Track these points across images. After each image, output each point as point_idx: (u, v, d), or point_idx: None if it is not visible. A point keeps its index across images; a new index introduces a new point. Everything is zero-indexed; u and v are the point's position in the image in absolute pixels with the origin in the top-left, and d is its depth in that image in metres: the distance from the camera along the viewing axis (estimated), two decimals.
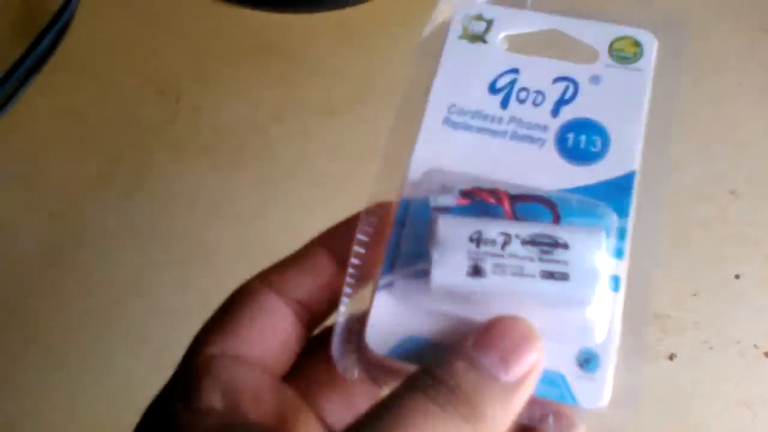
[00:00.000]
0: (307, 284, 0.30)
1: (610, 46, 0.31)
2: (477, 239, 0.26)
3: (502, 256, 0.26)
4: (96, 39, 0.56)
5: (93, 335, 0.48)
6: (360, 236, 0.29)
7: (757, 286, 0.47)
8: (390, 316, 0.27)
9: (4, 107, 0.52)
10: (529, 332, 0.25)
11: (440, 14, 0.32)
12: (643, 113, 0.30)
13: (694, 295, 0.46)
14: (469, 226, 0.26)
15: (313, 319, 0.30)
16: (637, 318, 0.27)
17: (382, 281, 0.27)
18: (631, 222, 0.28)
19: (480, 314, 0.26)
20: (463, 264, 0.26)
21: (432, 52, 0.32)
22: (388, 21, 0.56)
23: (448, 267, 0.26)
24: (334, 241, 0.30)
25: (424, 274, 0.26)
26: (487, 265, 0.26)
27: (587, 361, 0.26)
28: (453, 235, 0.26)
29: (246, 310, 0.29)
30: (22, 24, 0.56)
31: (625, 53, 0.31)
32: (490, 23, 0.32)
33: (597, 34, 0.32)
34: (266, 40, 0.56)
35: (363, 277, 0.28)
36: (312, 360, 0.31)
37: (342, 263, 0.29)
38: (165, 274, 0.49)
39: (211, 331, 0.29)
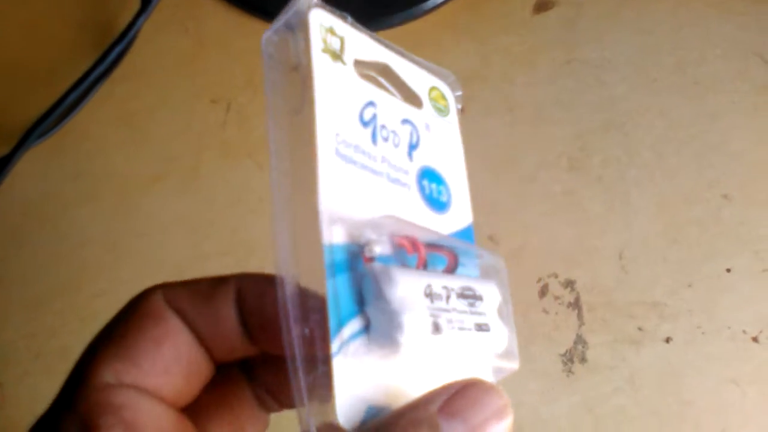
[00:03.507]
0: (213, 318, 0.26)
1: (429, 95, 0.29)
2: (429, 294, 0.23)
3: (449, 310, 0.23)
4: (156, 54, 0.59)
5: None
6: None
7: (745, 278, 0.49)
8: (352, 387, 0.22)
9: (73, 110, 0.56)
10: (503, 406, 0.22)
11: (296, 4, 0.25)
12: (463, 166, 0.29)
13: (689, 285, 0.49)
14: (418, 280, 0.23)
15: (219, 355, 0.26)
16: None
17: (333, 346, 0.22)
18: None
19: (438, 373, 0.23)
20: (426, 322, 0.22)
21: (292, 59, 0.25)
22: (436, 38, 0.59)
23: (416, 326, 0.22)
24: (248, 285, 0.26)
25: (385, 335, 0.22)
26: (443, 321, 0.23)
27: None
28: (410, 290, 0.23)
29: (148, 333, 0.25)
30: (94, 38, 0.59)
31: (439, 104, 0.29)
32: (342, 41, 0.26)
33: (418, 81, 0.29)
34: None
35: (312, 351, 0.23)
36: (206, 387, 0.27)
37: (247, 309, 0.25)
38: (212, 261, 0.52)
39: (105, 351, 0.25)
